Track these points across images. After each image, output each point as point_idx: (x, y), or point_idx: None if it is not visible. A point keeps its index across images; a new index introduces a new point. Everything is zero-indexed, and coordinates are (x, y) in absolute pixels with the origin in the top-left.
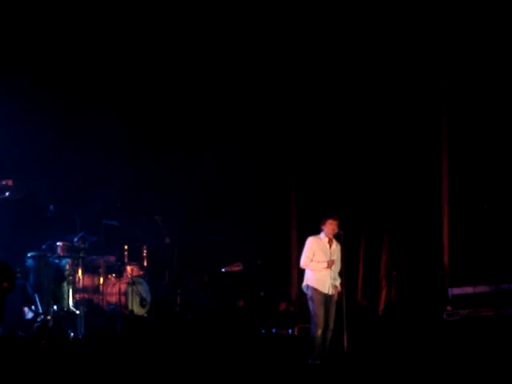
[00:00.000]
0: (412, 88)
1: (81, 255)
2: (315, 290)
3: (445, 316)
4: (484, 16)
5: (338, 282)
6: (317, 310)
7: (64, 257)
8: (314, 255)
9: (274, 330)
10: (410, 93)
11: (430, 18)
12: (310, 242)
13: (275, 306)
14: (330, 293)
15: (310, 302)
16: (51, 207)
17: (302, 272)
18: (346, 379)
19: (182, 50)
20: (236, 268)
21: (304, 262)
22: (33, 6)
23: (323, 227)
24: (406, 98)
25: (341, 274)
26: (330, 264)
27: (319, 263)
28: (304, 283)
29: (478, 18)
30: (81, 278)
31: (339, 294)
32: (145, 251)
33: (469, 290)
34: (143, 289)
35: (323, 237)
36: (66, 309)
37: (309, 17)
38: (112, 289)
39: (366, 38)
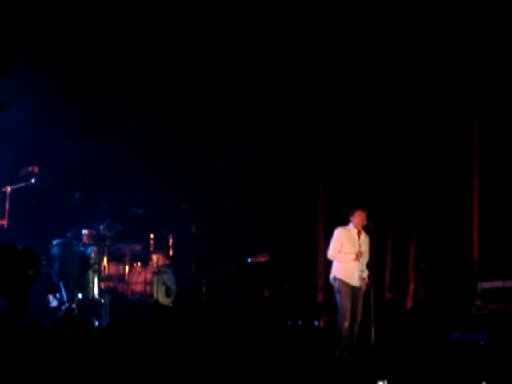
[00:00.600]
0: (442, 79)
1: (106, 243)
2: (343, 282)
3: (474, 310)
4: None
5: (365, 274)
6: (344, 302)
7: (89, 245)
8: (342, 246)
9: (300, 322)
10: (440, 84)
11: (462, 17)
12: (338, 233)
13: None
14: (358, 285)
15: (337, 294)
16: (77, 194)
17: (328, 263)
18: (373, 372)
19: (211, 38)
20: (262, 258)
21: (332, 253)
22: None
23: (352, 218)
24: (438, 88)
25: (369, 266)
26: (359, 256)
27: (347, 255)
28: (331, 275)
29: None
30: (106, 266)
31: (367, 286)
32: (171, 240)
33: (498, 284)
34: (169, 278)
35: (351, 228)
36: (90, 297)
37: (340, 12)
38: (137, 278)
39: (400, 34)
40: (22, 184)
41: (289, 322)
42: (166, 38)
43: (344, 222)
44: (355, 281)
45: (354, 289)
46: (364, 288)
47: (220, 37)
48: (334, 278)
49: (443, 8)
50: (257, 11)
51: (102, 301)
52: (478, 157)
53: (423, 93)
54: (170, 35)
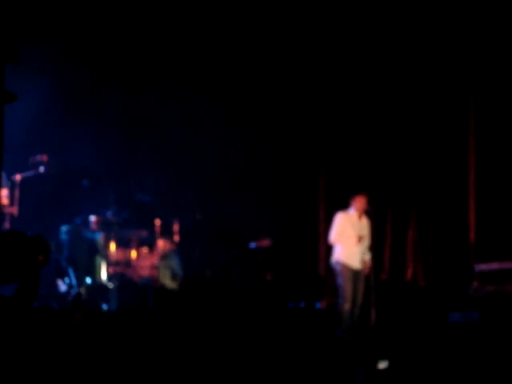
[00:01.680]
0: (439, 71)
1: (114, 229)
2: (344, 264)
3: (471, 291)
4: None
5: (367, 257)
6: (345, 284)
7: (97, 231)
8: (343, 230)
9: (301, 304)
10: (437, 74)
11: (457, 16)
12: (340, 217)
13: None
14: (359, 268)
15: (338, 277)
16: (85, 182)
17: (329, 247)
18: (374, 352)
19: (212, 35)
20: (265, 243)
21: (334, 237)
22: None
23: (353, 203)
24: (434, 78)
25: (370, 248)
26: (360, 239)
27: (349, 238)
28: (333, 258)
29: (505, 16)
30: (113, 251)
31: (370, 268)
32: (176, 226)
33: (495, 265)
34: (174, 263)
35: (352, 212)
36: (99, 282)
37: (340, 11)
38: (144, 263)
39: (395, 32)
40: (32, 172)
41: (291, 304)
42: (168, 30)
43: (344, 207)
44: (357, 264)
45: (355, 272)
46: (367, 271)
47: (221, 33)
48: (336, 261)
49: (438, 7)
50: (257, 10)
51: (110, 285)
52: (474, 141)
53: (420, 83)
54: (170, 28)
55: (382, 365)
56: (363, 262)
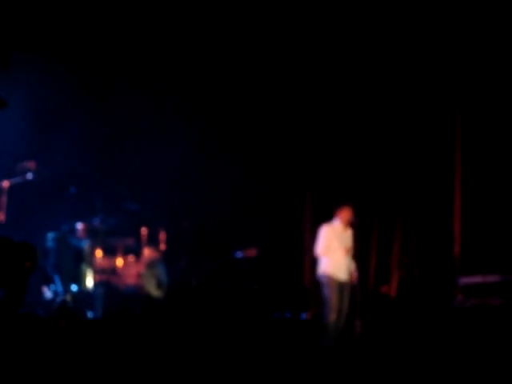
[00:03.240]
0: (424, 78)
1: (100, 237)
2: (331, 276)
3: (455, 304)
4: (502, 26)
5: (352, 267)
6: (331, 296)
7: (84, 238)
8: (330, 243)
9: (287, 315)
10: (422, 82)
11: (446, 27)
12: (325, 230)
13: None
14: (346, 279)
15: (324, 289)
16: (72, 189)
17: (314, 258)
18: (358, 362)
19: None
20: (251, 253)
21: (320, 249)
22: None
23: (338, 214)
24: (420, 87)
25: (354, 258)
26: (348, 251)
27: (336, 251)
28: (319, 271)
29: (495, 27)
30: (100, 259)
31: (356, 278)
32: (163, 234)
33: (478, 279)
34: (160, 272)
35: (337, 223)
36: (84, 289)
37: (323, 21)
38: (130, 271)
39: (381, 42)
40: (19, 179)
41: (276, 315)
42: (162, 32)
43: (330, 218)
44: (343, 275)
45: (341, 283)
46: (353, 280)
47: (209, 46)
48: (323, 273)
49: (426, 11)
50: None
51: (96, 293)
52: (460, 154)
53: (405, 91)
54: (167, 29)
55: None
56: (349, 273)
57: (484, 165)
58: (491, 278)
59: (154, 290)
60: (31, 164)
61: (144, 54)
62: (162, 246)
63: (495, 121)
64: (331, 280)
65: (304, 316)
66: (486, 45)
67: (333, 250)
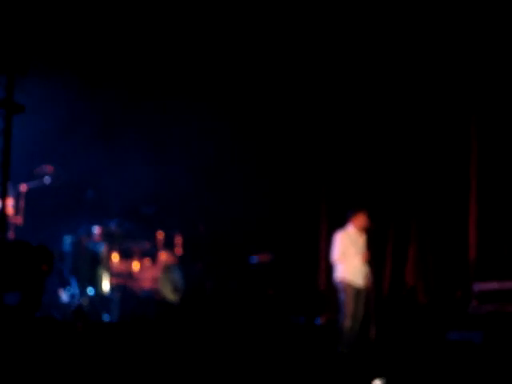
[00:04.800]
0: (440, 82)
1: (116, 241)
2: (348, 282)
3: (470, 310)
4: None
5: (367, 272)
6: (348, 301)
7: (100, 242)
8: (345, 249)
9: (301, 320)
10: (438, 86)
11: (461, 31)
12: (341, 237)
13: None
14: (362, 285)
15: (341, 294)
16: (89, 192)
17: (329, 263)
18: (371, 369)
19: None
20: (266, 257)
21: (337, 256)
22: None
23: (353, 219)
24: (435, 90)
25: (368, 263)
26: (365, 257)
27: (352, 257)
28: (336, 276)
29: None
30: (116, 263)
31: (370, 281)
32: (179, 239)
33: (494, 285)
34: (176, 276)
35: (352, 230)
36: (101, 293)
37: (339, 20)
38: (146, 275)
39: (397, 44)
40: (37, 182)
41: (291, 320)
42: (161, 33)
43: (345, 222)
44: (360, 281)
45: (358, 289)
46: (369, 285)
47: (218, 47)
48: (340, 279)
49: (442, 14)
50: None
51: (112, 296)
52: (476, 158)
53: (421, 94)
54: (168, 32)
55: (379, 383)
56: (365, 277)
57: (500, 169)
58: (507, 285)
59: (170, 294)
60: (49, 168)
61: (156, 53)
62: (178, 250)
63: (511, 124)
64: (348, 286)
65: (319, 321)
66: (503, 52)
67: (349, 256)
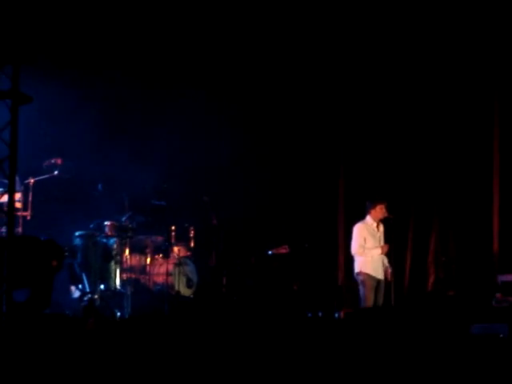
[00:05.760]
0: (462, 70)
1: (128, 235)
2: (369, 275)
3: (494, 303)
4: None
5: (386, 263)
6: (368, 294)
7: (112, 236)
8: (365, 241)
9: (320, 314)
10: (460, 74)
11: (482, 18)
12: (360, 229)
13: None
14: (382, 277)
15: (360, 287)
16: (99, 186)
17: (348, 256)
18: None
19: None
20: (283, 250)
21: (357, 249)
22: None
23: (372, 211)
24: (458, 79)
25: (387, 255)
26: (385, 249)
27: (373, 250)
28: (357, 269)
29: None
30: (128, 257)
31: (390, 274)
32: (192, 232)
33: None
34: (190, 270)
35: (370, 221)
36: (112, 288)
37: (362, 11)
38: (159, 269)
39: (420, 33)
40: (46, 176)
41: (309, 314)
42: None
43: (364, 216)
44: (380, 273)
45: (378, 281)
46: (389, 277)
47: (234, 32)
48: (360, 272)
49: (463, 5)
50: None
51: (124, 292)
52: (499, 152)
53: (443, 83)
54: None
55: None
56: (385, 269)
57: None
58: None
59: (183, 289)
60: (58, 160)
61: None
62: (192, 244)
63: None
64: (368, 278)
65: (337, 315)
66: None
67: (368, 249)
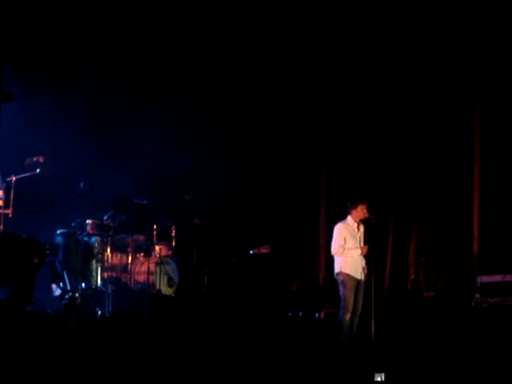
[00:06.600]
0: (443, 73)
1: (110, 233)
2: (348, 275)
3: (473, 304)
4: None
5: (364, 263)
6: (347, 295)
7: (93, 235)
8: (345, 242)
9: (300, 314)
10: (441, 76)
11: (462, 9)
12: (340, 229)
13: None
14: (361, 278)
15: (340, 287)
16: (81, 184)
17: (329, 256)
18: (371, 364)
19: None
20: (264, 250)
21: (337, 250)
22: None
23: (353, 211)
24: (439, 80)
25: (367, 256)
26: (364, 250)
27: (352, 250)
28: (337, 270)
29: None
30: (109, 256)
31: (366, 275)
32: (173, 231)
33: (498, 278)
34: (171, 269)
35: (351, 222)
36: (94, 287)
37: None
38: (140, 268)
39: (402, 27)
40: (27, 174)
41: (289, 314)
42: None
43: (344, 217)
44: (359, 274)
45: (357, 282)
46: (364, 279)
47: (225, 31)
48: (340, 272)
49: (443, 2)
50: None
51: (105, 290)
52: (479, 151)
53: (424, 85)
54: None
55: (379, 377)
56: (363, 272)
57: (503, 162)
58: (510, 278)
59: (164, 288)
60: (40, 158)
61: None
62: (173, 243)
63: None
64: (348, 278)
65: (317, 315)
66: (506, 39)
67: (348, 250)
